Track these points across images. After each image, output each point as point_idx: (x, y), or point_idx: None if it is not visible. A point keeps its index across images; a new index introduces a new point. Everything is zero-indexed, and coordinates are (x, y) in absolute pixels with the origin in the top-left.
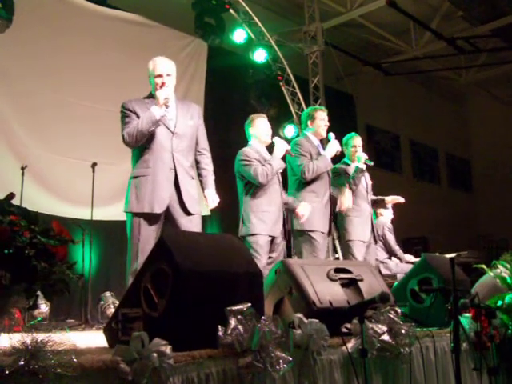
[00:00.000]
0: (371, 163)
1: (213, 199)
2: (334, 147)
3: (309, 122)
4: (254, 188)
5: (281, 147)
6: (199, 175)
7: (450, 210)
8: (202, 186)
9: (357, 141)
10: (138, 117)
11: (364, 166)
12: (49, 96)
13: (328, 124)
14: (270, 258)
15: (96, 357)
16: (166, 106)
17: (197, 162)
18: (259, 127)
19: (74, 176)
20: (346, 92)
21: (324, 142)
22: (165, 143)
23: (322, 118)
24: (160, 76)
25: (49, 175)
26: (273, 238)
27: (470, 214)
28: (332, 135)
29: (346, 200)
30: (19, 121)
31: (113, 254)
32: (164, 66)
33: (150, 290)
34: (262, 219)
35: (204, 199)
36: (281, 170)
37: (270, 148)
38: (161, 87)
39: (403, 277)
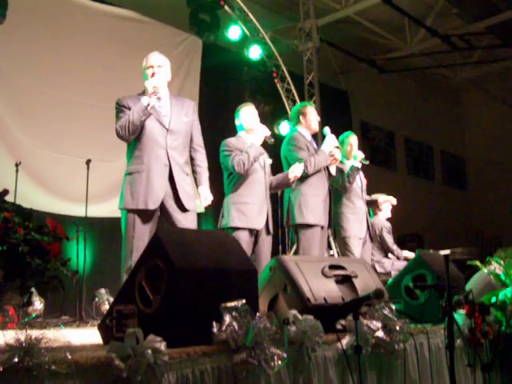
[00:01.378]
0: (367, 162)
1: (206, 197)
2: (331, 142)
3: (301, 118)
4: (236, 179)
5: (260, 133)
6: (193, 172)
7: (444, 207)
8: (196, 183)
9: (352, 139)
10: None
11: (360, 165)
12: (43, 93)
13: (319, 118)
14: (253, 254)
15: (90, 354)
16: (156, 94)
17: (191, 159)
18: (243, 116)
19: (69, 173)
20: (340, 89)
21: (318, 136)
22: (159, 140)
23: (313, 113)
24: (151, 67)
25: (43, 172)
26: (256, 233)
27: (465, 211)
28: (327, 129)
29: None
30: (13, 117)
31: (107, 251)
32: (155, 58)
33: (145, 287)
34: (242, 211)
35: (198, 196)
36: (270, 161)
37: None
38: (151, 77)
39: (397, 273)
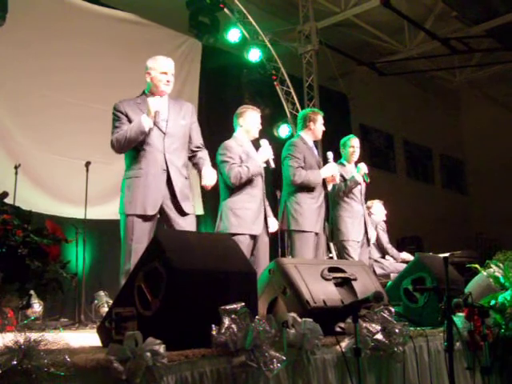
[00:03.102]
0: (368, 180)
1: (211, 176)
2: (331, 169)
3: (310, 124)
4: None
5: (264, 153)
6: (195, 164)
7: (443, 210)
8: (199, 170)
9: (354, 142)
10: (129, 120)
11: (361, 179)
12: (42, 95)
13: (324, 128)
14: (252, 256)
15: (89, 356)
16: (157, 119)
17: (193, 158)
18: (250, 120)
19: (68, 175)
20: (340, 91)
21: (318, 144)
22: (157, 144)
23: (321, 122)
24: (165, 73)
25: (42, 174)
26: (255, 236)
27: (464, 214)
28: (330, 155)
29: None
30: (13, 120)
31: (106, 253)
32: (169, 65)
33: (144, 290)
34: (241, 216)
35: (198, 199)
36: (264, 164)
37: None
38: (166, 84)
39: (397, 276)
